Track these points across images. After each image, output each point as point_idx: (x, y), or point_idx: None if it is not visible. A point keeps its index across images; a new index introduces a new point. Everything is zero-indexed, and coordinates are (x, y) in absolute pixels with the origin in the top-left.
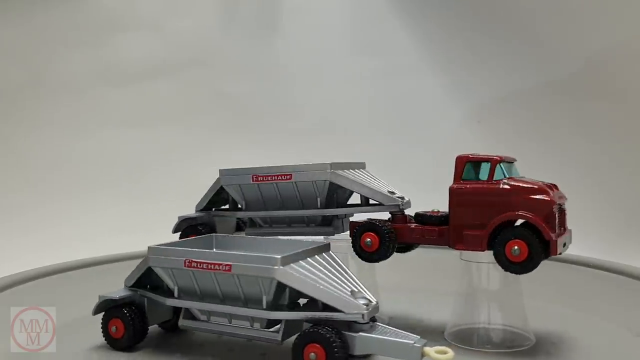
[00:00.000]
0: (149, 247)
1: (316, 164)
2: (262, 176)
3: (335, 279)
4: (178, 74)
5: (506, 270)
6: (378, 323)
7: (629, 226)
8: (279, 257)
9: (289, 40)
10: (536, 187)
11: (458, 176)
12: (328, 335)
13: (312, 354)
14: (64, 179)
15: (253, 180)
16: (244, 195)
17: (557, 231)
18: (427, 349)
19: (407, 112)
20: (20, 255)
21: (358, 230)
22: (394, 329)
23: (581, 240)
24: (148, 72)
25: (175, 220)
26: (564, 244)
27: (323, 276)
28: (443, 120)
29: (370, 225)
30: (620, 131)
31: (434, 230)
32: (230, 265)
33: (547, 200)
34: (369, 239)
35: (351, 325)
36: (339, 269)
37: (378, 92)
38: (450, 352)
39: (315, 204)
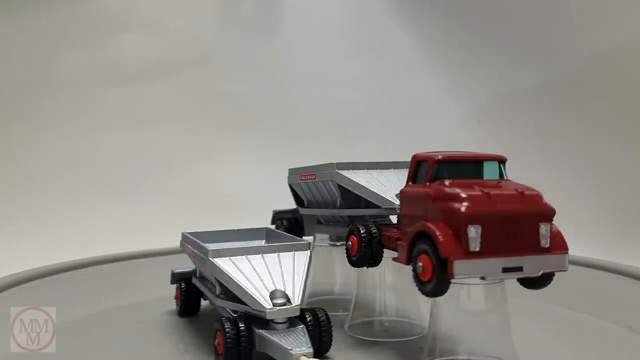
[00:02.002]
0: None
1: (325, 164)
2: (303, 175)
3: (267, 277)
4: (178, 74)
5: (420, 291)
6: (301, 327)
7: (629, 226)
8: (210, 250)
9: (289, 40)
10: (457, 192)
11: (409, 177)
12: (225, 326)
13: (216, 340)
14: (64, 179)
15: (299, 180)
16: (304, 193)
17: (478, 248)
18: (302, 358)
19: (407, 112)
20: (20, 255)
21: (347, 233)
22: (303, 334)
23: (581, 240)
24: (148, 72)
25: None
26: (512, 269)
27: (254, 272)
28: (443, 120)
29: (354, 228)
30: (620, 131)
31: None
32: (195, 252)
33: (457, 209)
34: (350, 242)
35: (268, 323)
36: (289, 269)
37: (378, 92)
38: None
39: (335, 204)
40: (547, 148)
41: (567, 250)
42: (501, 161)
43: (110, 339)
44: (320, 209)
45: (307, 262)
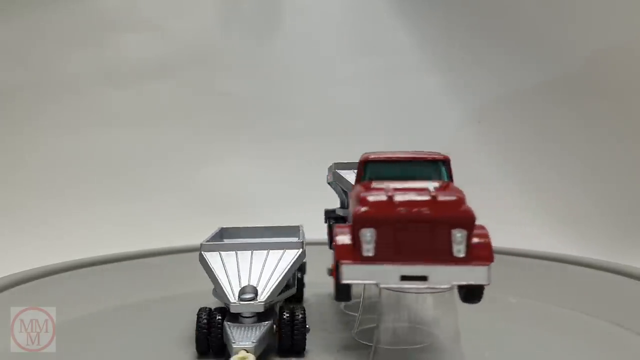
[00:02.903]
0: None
1: (331, 165)
2: (328, 175)
3: (245, 273)
4: (179, 73)
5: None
6: (266, 323)
7: (629, 226)
8: (200, 243)
9: (290, 40)
10: (362, 195)
11: (357, 178)
12: (199, 315)
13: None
14: (63, 179)
15: (328, 180)
16: (336, 193)
17: (372, 253)
18: (241, 352)
19: (407, 112)
20: (20, 255)
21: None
22: (260, 330)
23: (581, 240)
24: (148, 72)
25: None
26: (414, 278)
27: (235, 268)
28: (443, 120)
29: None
30: (620, 131)
31: None
32: None
33: (355, 211)
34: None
35: (237, 317)
36: (271, 266)
37: (378, 92)
38: (251, 357)
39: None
40: (547, 148)
41: (489, 261)
42: (441, 162)
43: (110, 339)
44: (343, 210)
45: (292, 260)
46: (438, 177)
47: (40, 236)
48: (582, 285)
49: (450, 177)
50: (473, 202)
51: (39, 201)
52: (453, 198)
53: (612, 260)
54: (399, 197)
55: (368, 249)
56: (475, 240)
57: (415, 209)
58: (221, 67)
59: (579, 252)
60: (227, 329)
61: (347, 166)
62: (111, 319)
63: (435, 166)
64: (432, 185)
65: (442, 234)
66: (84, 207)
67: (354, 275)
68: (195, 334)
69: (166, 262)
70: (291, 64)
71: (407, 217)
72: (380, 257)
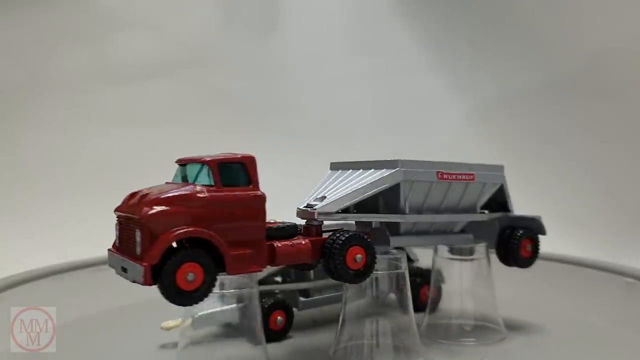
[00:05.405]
0: None
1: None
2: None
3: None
4: (178, 73)
5: None
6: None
7: (629, 226)
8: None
9: (290, 39)
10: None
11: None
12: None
13: None
14: (63, 179)
15: None
16: None
17: (118, 244)
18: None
19: (408, 111)
20: (20, 255)
21: None
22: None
23: (581, 241)
24: (148, 71)
25: None
26: (124, 270)
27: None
28: (443, 120)
29: None
30: (620, 131)
31: None
32: None
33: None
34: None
35: None
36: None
37: (378, 92)
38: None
39: None
40: (548, 147)
41: (149, 263)
42: (207, 165)
43: (110, 339)
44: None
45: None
46: (207, 180)
47: (40, 236)
48: (582, 285)
49: (250, 180)
50: None
51: (39, 201)
52: (149, 199)
53: (613, 260)
54: (129, 198)
55: (116, 240)
56: (149, 241)
57: (122, 208)
58: (221, 67)
59: (579, 252)
60: None
61: (343, 166)
62: (111, 319)
63: (199, 168)
64: (172, 187)
65: (131, 231)
66: (83, 207)
67: (111, 261)
68: None
69: None
70: (291, 64)
71: (119, 216)
72: (118, 248)
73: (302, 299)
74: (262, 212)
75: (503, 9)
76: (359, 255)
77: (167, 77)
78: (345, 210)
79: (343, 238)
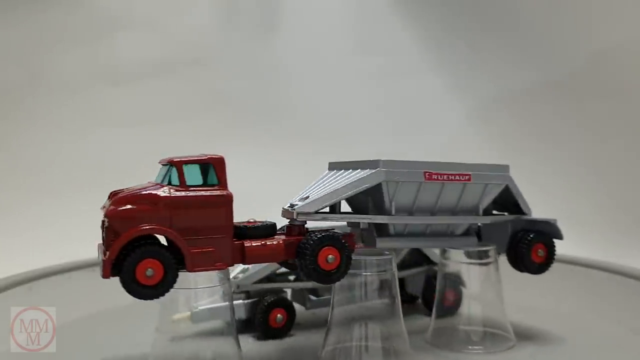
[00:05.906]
0: None
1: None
2: None
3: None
4: (178, 73)
5: None
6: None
7: (629, 226)
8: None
9: (289, 39)
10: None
11: None
12: None
13: None
14: (63, 178)
15: None
16: None
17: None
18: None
19: (408, 112)
20: (20, 255)
21: None
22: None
23: (581, 241)
24: (147, 71)
25: None
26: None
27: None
28: (444, 120)
29: None
30: (620, 131)
31: None
32: None
33: None
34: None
35: None
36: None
37: (378, 92)
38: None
39: None
40: (547, 148)
41: (108, 258)
42: (175, 166)
43: (110, 339)
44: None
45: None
46: (176, 180)
47: (40, 236)
48: (582, 285)
49: (219, 180)
50: None
51: (39, 201)
52: (118, 198)
53: (613, 260)
54: (109, 197)
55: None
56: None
57: (104, 208)
58: (221, 67)
59: (579, 252)
60: None
61: (340, 165)
62: (111, 319)
63: (168, 169)
64: (151, 188)
65: (108, 230)
66: (83, 207)
67: (98, 258)
68: None
69: None
70: (291, 63)
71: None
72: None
73: (311, 297)
74: (228, 212)
75: (503, 9)
76: (331, 256)
77: (166, 77)
78: (332, 210)
79: (315, 238)
